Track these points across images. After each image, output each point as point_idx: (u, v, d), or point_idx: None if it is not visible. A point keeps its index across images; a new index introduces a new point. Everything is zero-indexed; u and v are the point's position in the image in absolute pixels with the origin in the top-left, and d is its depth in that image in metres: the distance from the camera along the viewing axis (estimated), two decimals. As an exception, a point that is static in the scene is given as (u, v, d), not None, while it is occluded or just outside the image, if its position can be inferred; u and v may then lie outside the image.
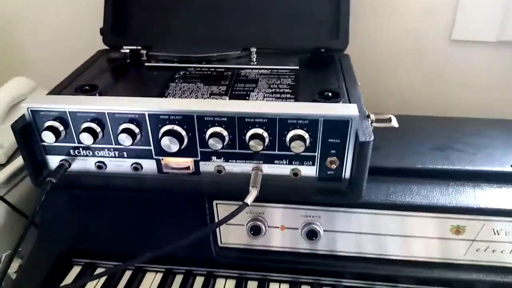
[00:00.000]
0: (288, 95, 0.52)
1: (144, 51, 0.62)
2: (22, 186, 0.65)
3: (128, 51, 0.62)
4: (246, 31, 0.65)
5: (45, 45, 0.93)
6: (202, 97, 0.52)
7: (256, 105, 0.45)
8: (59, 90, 0.54)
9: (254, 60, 0.61)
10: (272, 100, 0.50)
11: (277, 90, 0.53)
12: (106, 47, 0.68)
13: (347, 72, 0.58)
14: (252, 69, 0.59)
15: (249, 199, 0.44)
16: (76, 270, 0.57)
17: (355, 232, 0.53)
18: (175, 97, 0.52)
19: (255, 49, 0.62)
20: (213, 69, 0.60)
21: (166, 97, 0.52)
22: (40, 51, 0.94)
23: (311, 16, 0.65)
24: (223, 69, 0.59)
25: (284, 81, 0.55)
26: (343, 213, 0.52)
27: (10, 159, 0.65)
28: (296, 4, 0.65)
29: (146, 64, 0.61)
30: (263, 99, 0.51)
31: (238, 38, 0.64)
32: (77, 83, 0.55)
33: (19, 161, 0.65)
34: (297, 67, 0.59)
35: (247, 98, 0.51)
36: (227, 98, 0.51)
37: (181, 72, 0.59)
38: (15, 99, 0.71)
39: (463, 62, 0.78)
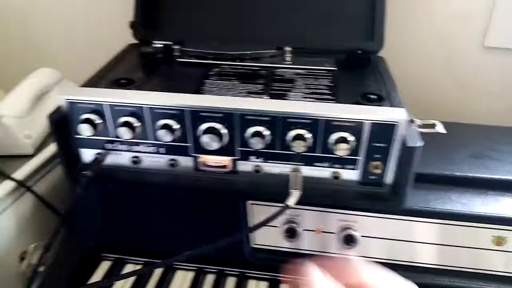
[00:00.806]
0: (328, 96, 0.51)
1: (176, 47, 0.61)
2: (49, 177, 0.65)
3: (161, 45, 0.61)
4: (280, 30, 0.64)
5: (67, 37, 0.93)
6: (239, 95, 0.51)
7: (301, 106, 0.44)
8: (92, 82, 0.53)
9: (288, 60, 0.60)
10: (311, 101, 0.49)
11: (316, 90, 0.52)
12: (135, 41, 0.68)
13: (385, 75, 0.56)
14: (287, 68, 0.58)
15: (291, 201, 0.43)
16: (105, 265, 0.56)
17: (391, 239, 0.52)
18: (211, 94, 0.51)
19: (289, 48, 0.60)
20: (247, 67, 0.58)
21: (203, 93, 0.51)
22: (63, 43, 0.94)
23: (346, 16, 0.64)
24: (257, 68, 0.58)
25: (322, 82, 0.54)
26: (380, 219, 0.51)
27: (37, 150, 0.65)
28: (331, 4, 0.64)
29: (178, 59, 0.61)
30: (302, 99, 0.50)
31: (272, 37, 0.63)
32: (111, 76, 0.55)
33: (46, 153, 0.65)
34: (334, 68, 0.58)
35: (286, 97, 0.50)
36: (268, 97, 0.50)
37: (215, 69, 0.58)
38: (41, 90, 0.70)
39: (496, 70, 0.77)
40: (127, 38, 0.67)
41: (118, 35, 0.66)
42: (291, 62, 0.60)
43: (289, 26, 0.64)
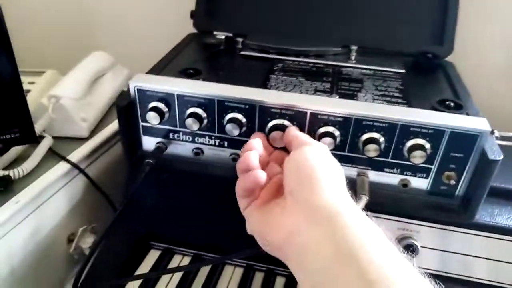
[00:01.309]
0: (400, 100, 0.49)
1: (239, 39, 0.60)
2: (101, 161, 0.65)
3: (223, 37, 0.61)
4: (346, 28, 0.62)
5: (123, 25, 0.93)
6: (306, 93, 0.49)
7: (377, 108, 0.43)
8: (157, 71, 0.53)
9: (353, 59, 0.59)
10: (383, 103, 0.48)
11: (386, 93, 0.50)
12: (193, 31, 0.67)
13: (457, 81, 0.54)
14: (353, 68, 0.57)
15: (359, 207, 0.42)
16: (154, 254, 0.56)
17: (451, 252, 0.50)
18: (278, 90, 0.50)
19: (355, 47, 0.59)
20: (312, 64, 0.57)
21: (269, 89, 0.50)
22: (117, 30, 0.94)
23: (415, 18, 0.61)
24: (322, 65, 0.57)
25: (391, 84, 0.52)
26: (442, 230, 0.49)
27: (92, 134, 0.65)
28: (401, 5, 0.62)
29: (241, 52, 0.60)
30: (373, 101, 0.48)
31: (337, 34, 0.61)
32: (175, 66, 0.54)
33: (100, 136, 0.65)
34: (403, 71, 0.56)
35: (355, 98, 0.49)
36: (337, 97, 0.48)
37: (279, 65, 0.56)
38: (97, 73, 0.70)
39: None
40: (180, 28, 0.67)
41: (172, 25, 0.66)
42: (356, 62, 0.58)
43: (356, 24, 0.62)
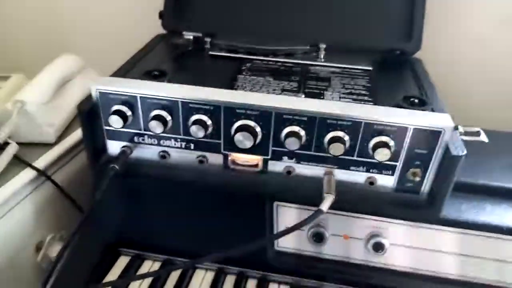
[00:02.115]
0: (366, 98, 0.49)
1: (208, 39, 0.60)
2: (69, 167, 0.64)
3: (191, 37, 0.60)
4: (315, 26, 0.62)
5: (93, 25, 0.91)
6: (274, 93, 0.49)
7: (341, 107, 0.42)
8: (122, 73, 0.52)
9: (322, 57, 0.58)
10: (349, 101, 0.48)
11: (353, 91, 0.50)
12: (162, 32, 0.66)
13: (424, 78, 0.54)
14: (322, 66, 0.56)
15: (324, 206, 0.42)
16: (123, 260, 0.55)
17: (420, 248, 0.50)
18: (245, 90, 0.49)
19: (324, 46, 0.59)
20: (281, 63, 0.57)
21: (236, 89, 0.49)
22: (87, 31, 0.92)
23: (383, 15, 0.62)
24: (291, 64, 0.57)
25: (358, 82, 0.52)
26: (411, 227, 0.49)
27: (59, 139, 0.63)
28: (369, 3, 0.62)
29: (210, 52, 0.59)
30: (339, 100, 0.48)
31: (306, 33, 0.61)
32: (141, 67, 0.53)
33: (68, 142, 0.64)
34: (370, 68, 0.56)
35: (322, 97, 0.49)
36: (303, 96, 0.48)
37: (247, 64, 0.56)
38: (64, 77, 0.69)
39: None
40: (151, 29, 0.66)
41: (142, 25, 0.65)
42: (325, 60, 0.58)
43: (324, 23, 0.62)
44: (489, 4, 0.71)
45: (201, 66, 0.57)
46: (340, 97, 0.48)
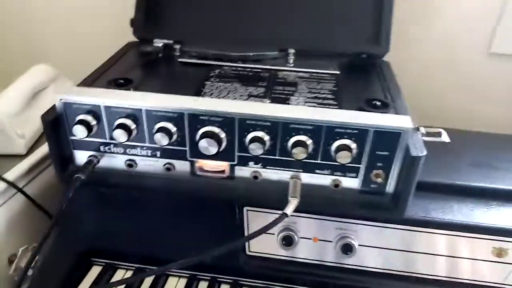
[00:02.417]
0: (331, 101, 0.49)
1: (177, 46, 0.60)
2: (41, 178, 0.63)
3: (161, 45, 0.60)
4: (284, 31, 0.62)
5: (66, 34, 0.91)
6: (240, 98, 0.49)
7: (302, 111, 0.43)
8: (89, 82, 0.52)
9: (291, 62, 0.59)
10: (314, 106, 0.48)
11: (319, 95, 0.51)
12: (135, 39, 0.66)
13: (390, 80, 0.55)
14: (290, 71, 0.57)
15: (289, 210, 0.42)
16: (95, 270, 0.54)
17: (390, 248, 0.51)
18: (212, 97, 0.49)
19: (293, 51, 0.59)
20: (249, 69, 0.57)
21: (203, 96, 0.50)
22: (62, 40, 0.92)
23: (351, 19, 0.62)
24: (259, 70, 0.57)
25: (325, 86, 0.53)
26: (379, 228, 0.50)
27: (30, 150, 0.63)
28: (337, 6, 0.63)
29: (179, 59, 0.59)
30: (304, 104, 0.49)
31: (275, 38, 0.61)
32: (109, 75, 0.53)
33: (39, 153, 0.63)
34: (338, 72, 0.56)
35: (288, 102, 0.49)
36: (268, 101, 0.48)
37: (216, 71, 0.56)
38: (37, 87, 0.68)
39: (501, 76, 0.75)
40: (129, 36, 0.66)
41: (119, 33, 0.65)
42: (294, 65, 0.58)
43: (293, 27, 0.63)
44: (453, 5, 0.73)
45: (170, 73, 0.57)
46: (305, 102, 0.49)
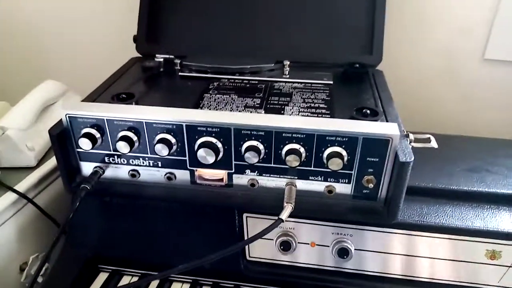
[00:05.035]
0: (324, 111, 0.51)
1: (178, 61, 0.62)
2: (51, 189, 0.66)
3: (162, 60, 0.63)
4: (279, 44, 0.65)
5: (73, 50, 0.95)
6: (237, 110, 0.52)
7: (295, 121, 0.45)
8: (94, 97, 0.55)
9: (287, 73, 0.61)
10: (307, 115, 0.50)
11: (312, 105, 0.53)
12: (138, 55, 0.69)
13: (382, 89, 0.57)
14: (285, 82, 0.59)
15: (284, 215, 0.44)
16: (102, 276, 0.57)
17: (385, 252, 0.52)
18: (210, 109, 0.52)
19: (288, 62, 0.61)
20: (247, 81, 0.60)
21: (202, 108, 0.52)
22: (68, 56, 0.96)
23: (344, 30, 0.65)
24: (256, 82, 0.59)
25: (318, 96, 0.55)
26: (374, 232, 0.51)
27: (40, 162, 0.66)
28: (330, 18, 0.65)
29: (180, 73, 0.62)
30: (298, 114, 0.51)
31: (271, 51, 0.64)
32: (112, 90, 0.56)
33: (49, 165, 0.66)
34: (331, 82, 0.58)
35: (282, 112, 0.51)
36: (263, 112, 0.51)
37: (215, 83, 0.59)
38: (46, 102, 0.72)
39: (496, 83, 0.77)
40: (133, 52, 0.69)
41: (124, 49, 0.68)
42: (289, 76, 0.61)
43: (289, 40, 0.65)
44: (448, 13, 0.74)
45: (171, 86, 0.60)
46: (299, 111, 0.51)
